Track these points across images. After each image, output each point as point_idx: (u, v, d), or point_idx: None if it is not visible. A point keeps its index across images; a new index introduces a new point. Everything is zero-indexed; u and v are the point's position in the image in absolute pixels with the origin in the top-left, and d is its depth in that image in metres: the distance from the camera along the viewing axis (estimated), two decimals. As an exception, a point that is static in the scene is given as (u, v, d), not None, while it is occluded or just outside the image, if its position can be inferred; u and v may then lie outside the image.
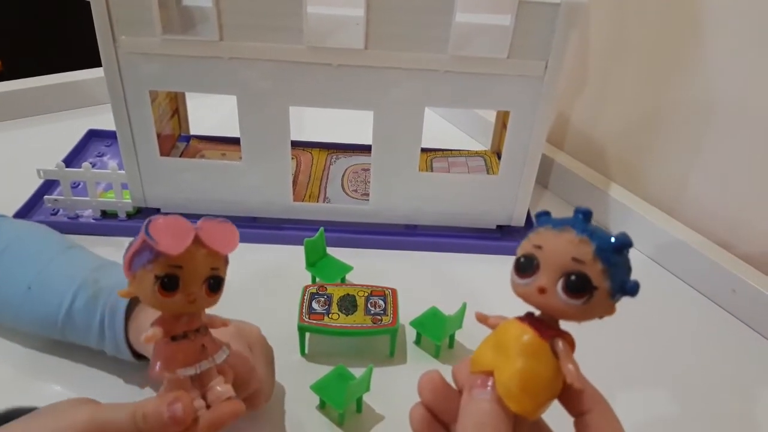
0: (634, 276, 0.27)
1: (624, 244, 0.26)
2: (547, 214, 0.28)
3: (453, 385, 0.31)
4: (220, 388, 0.35)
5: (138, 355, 0.47)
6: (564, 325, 0.28)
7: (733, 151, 0.63)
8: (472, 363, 0.29)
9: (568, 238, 0.26)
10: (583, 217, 0.26)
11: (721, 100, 0.63)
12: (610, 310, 0.26)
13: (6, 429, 0.34)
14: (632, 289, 0.26)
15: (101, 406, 0.35)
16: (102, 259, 0.51)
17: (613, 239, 0.25)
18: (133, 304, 0.46)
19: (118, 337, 0.45)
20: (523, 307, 0.28)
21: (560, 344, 0.27)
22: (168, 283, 0.31)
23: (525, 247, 0.27)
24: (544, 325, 0.27)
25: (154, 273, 0.31)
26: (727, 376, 0.55)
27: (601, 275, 0.25)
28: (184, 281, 0.31)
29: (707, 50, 0.63)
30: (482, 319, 0.30)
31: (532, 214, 0.71)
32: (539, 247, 0.26)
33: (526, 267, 0.27)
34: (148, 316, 0.44)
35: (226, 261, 0.34)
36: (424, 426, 0.30)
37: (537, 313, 0.28)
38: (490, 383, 0.27)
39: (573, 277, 0.25)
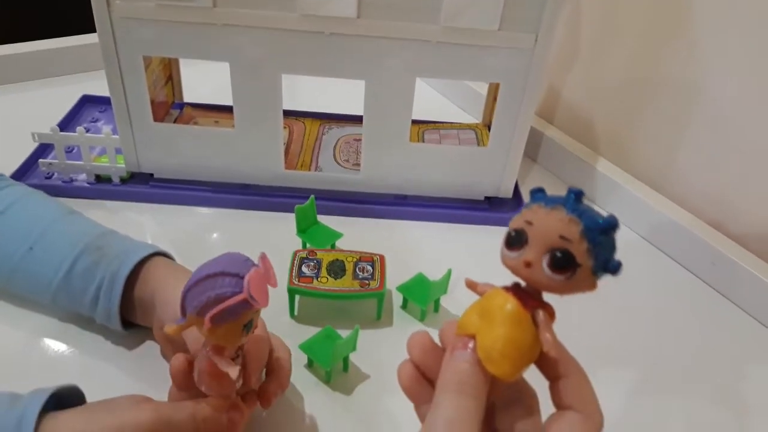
0: (620, 249, 0.28)
1: (610, 225, 0.27)
2: (541, 191, 0.29)
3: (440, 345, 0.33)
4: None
5: (125, 324, 0.48)
6: (547, 296, 0.29)
7: (719, 128, 0.64)
8: (458, 326, 0.30)
9: (558, 217, 0.27)
10: (575, 197, 0.27)
11: (710, 77, 0.64)
12: (592, 287, 0.28)
13: (64, 422, 0.35)
14: (614, 268, 0.27)
15: (161, 405, 0.37)
16: (103, 227, 0.52)
17: (600, 220, 0.27)
18: (131, 277, 0.47)
19: (112, 306, 0.46)
20: (509, 277, 0.30)
21: (540, 315, 0.28)
22: (249, 326, 0.35)
23: (517, 221, 0.28)
24: (528, 295, 0.29)
25: (243, 323, 0.34)
26: (707, 347, 0.57)
27: (586, 254, 0.26)
28: (255, 320, 0.35)
29: (697, 27, 0.63)
30: (471, 285, 0.31)
31: (521, 187, 0.72)
32: (530, 223, 0.28)
33: (515, 241, 0.28)
34: (147, 289, 0.46)
35: None
36: (411, 381, 0.32)
37: (523, 284, 0.29)
38: (471, 345, 0.29)
39: (558, 254, 0.26)
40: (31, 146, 0.70)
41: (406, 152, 0.65)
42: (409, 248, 0.64)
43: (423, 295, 0.55)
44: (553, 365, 0.29)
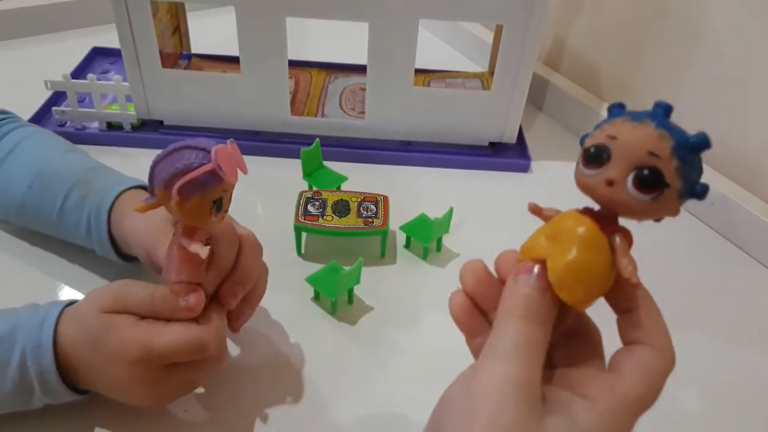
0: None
1: (703, 143, 0.25)
2: (621, 105, 0.27)
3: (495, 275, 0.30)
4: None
5: (122, 256, 0.49)
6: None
7: (721, 69, 0.64)
8: (523, 251, 0.28)
9: (646, 131, 0.25)
10: (663, 111, 0.25)
11: (713, 19, 0.63)
12: (675, 211, 0.25)
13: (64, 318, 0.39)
14: (702, 192, 0.25)
15: (124, 282, 0.39)
16: (98, 162, 0.53)
17: (691, 138, 0.25)
18: (115, 205, 0.47)
19: (102, 238, 0.48)
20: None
21: (618, 239, 0.26)
22: (220, 205, 0.34)
23: (597, 137, 0.26)
24: (604, 219, 0.26)
25: (212, 198, 0.33)
26: (706, 286, 0.58)
27: (675, 173, 0.24)
28: (225, 201, 0.34)
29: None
30: (536, 210, 0.29)
31: (525, 133, 0.73)
32: (613, 138, 0.25)
33: (595, 157, 0.25)
34: (130, 219, 0.46)
35: None
36: (464, 312, 0.30)
37: (596, 207, 0.27)
38: (536, 270, 0.26)
39: (646, 171, 0.24)
40: (42, 100, 0.71)
41: (410, 97, 0.66)
42: (413, 193, 0.65)
43: (425, 234, 0.56)
44: (626, 295, 0.27)
